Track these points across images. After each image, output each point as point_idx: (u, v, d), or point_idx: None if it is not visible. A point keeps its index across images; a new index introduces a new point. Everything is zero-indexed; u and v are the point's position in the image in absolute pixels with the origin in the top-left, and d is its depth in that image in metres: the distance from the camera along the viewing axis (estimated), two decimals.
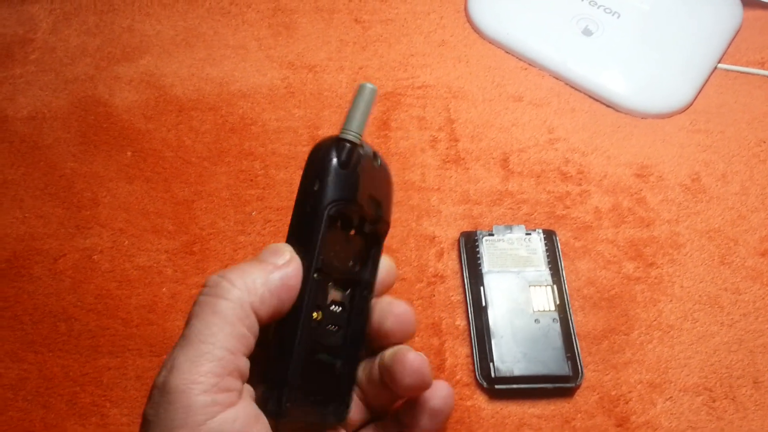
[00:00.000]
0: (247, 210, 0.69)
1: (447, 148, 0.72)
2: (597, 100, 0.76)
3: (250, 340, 0.40)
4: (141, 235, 0.68)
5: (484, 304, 0.62)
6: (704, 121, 0.74)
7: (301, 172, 0.66)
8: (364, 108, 0.46)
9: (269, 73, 0.78)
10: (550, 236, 0.66)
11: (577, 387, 0.59)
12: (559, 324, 0.61)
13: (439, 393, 0.46)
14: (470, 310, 0.63)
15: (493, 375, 0.59)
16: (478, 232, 0.66)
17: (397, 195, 0.69)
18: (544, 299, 0.62)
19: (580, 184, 0.70)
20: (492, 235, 0.65)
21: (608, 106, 0.75)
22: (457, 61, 0.79)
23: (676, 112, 0.75)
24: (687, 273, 0.65)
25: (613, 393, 0.60)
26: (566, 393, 0.59)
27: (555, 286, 0.63)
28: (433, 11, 0.83)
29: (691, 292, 0.65)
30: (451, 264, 0.66)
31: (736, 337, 0.62)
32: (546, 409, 0.59)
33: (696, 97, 0.76)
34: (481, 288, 0.63)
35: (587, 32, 0.78)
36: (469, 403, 0.59)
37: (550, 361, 0.59)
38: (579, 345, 0.61)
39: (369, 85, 0.45)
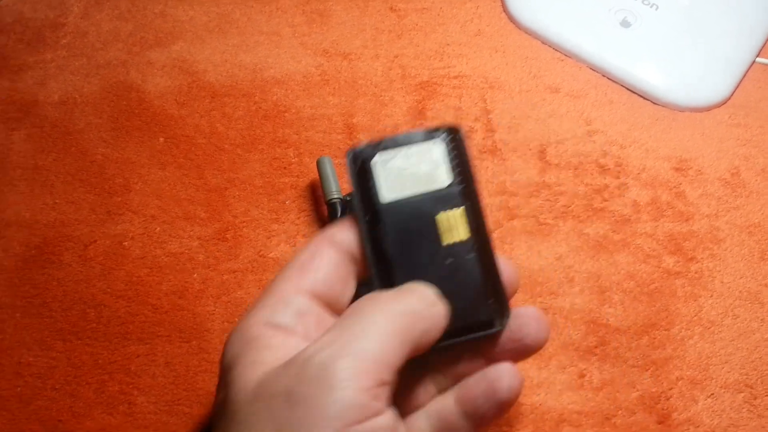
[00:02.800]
0: (281, 198, 0.68)
1: (483, 139, 0.71)
2: (635, 93, 0.75)
3: (401, 365, 0.39)
4: (173, 221, 0.67)
5: (383, 248, 0.46)
6: (743, 115, 0.73)
7: (335, 160, 0.66)
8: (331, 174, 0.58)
9: (303, 60, 0.77)
10: (454, 137, 0.47)
11: (503, 328, 0.46)
12: (475, 256, 0.46)
13: (509, 372, 0.44)
14: (371, 259, 0.46)
15: None
16: (363, 150, 0.47)
17: None
18: (454, 227, 0.46)
19: (618, 177, 0.69)
20: (386, 149, 0.47)
21: (646, 98, 0.74)
22: (493, 51, 0.78)
23: (715, 105, 0.74)
24: (727, 268, 0.64)
25: (653, 390, 0.59)
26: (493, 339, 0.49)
27: (464, 207, 0.47)
28: (469, 1, 0.82)
29: (732, 287, 0.63)
30: None
31: None
32: (586, 405, 0.58)
33: (734, 91, 0.75)
34: (379, 227, 0.47)
35: (625, 24, 0.77)
36: None
37: (468, 308, 0.46)
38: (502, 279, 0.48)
39: (324, 158, 0.56)
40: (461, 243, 0.46)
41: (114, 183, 0.70)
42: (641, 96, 0.74)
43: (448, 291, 0.44)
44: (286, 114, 0.73)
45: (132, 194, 0.69)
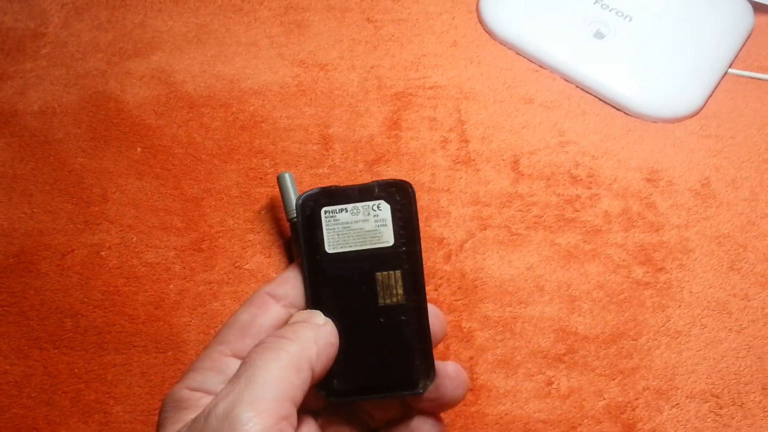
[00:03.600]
0: (256, 208, 0.69)
1: (457, 149, 0.72)
2: (608, 104, 0.76)
3: (302, 394, 0.41)
4: (150, 231, 0.68)
5: (321, 299, 0.48)
6: (715, 126, 0.74)
7: (310, 171, 0.67)
8: (292, 189, 0.61)
9: (281, 71, 0.78)
10: (403, 196, 0.48)
11: (425, 391, 0.47)
12: (407, 319, 0.48)
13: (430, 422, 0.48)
14: (309, 305, 0.48)
15: (334, 386, 0.47)
16: (312, 197, 0.48)
17: None
18: (391, 288, 0.48)
19: (590, 188, 0.70)
20: (336, 201, 0.48)
21: (619, 109, 0.75)
22: (468, 62, 0.78)
23: (687, 116, 0.75)
24: (696, 278, 0.65)
25: (620, 399, 0.59)
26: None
27: (402, 271, 0.48)
28: (445, 12, 0.82)
29: (700, 297, 0.64)
30: (458, 266, 0.66)
31: (744, 344, 0.62)
32: (552, 414, 0.59)
33: (706, 101, 0.76)
34: (319, 280, 0.48)
35: (599, 35, 0.78)
36: (473, 409, 0.59)
37: (394, 368, 0.48)
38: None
39: (285, 173, 0.57)
40: (396, 305, 0.47)
41: (92, 192, 0.70)
42: (614, 107, 0.75)
43: (377, 349, 0.47)
44: (263, 124, 0.74)
45: (109, 204, 0.69)
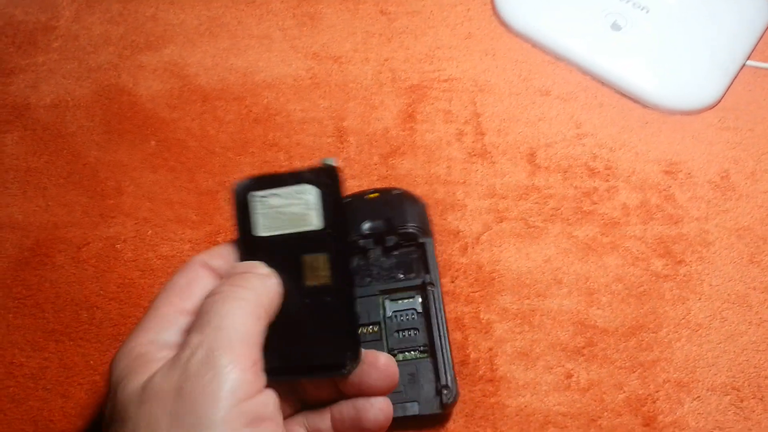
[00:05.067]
0: None
1: (473, 142, 0.72)
2: (625, 96, 0.75)
3: (261, 342, 0.44)
4: (164, 224, 0.68)
5: None
6: (733, 118, 0.73)
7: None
8: None
9: (294, 64, 0.78)
10: (330, 181, 0.49)
11: (350, 372, 0.47)
12: (333, 300, 0.48)
13: (377, 405, 0.48)
14: None
15: (265, 366, 0.44)
16: (244, 184, 0.50)
17: (422, 188, 0.68)
18: (317, 270, 0.49)
19: (607, 180, 0.69)
20: (266, 186, 0.50)
21: (636, 101, 0.75)
22: (483, 55, 0.78)
23: (705, 108, 0.74)
24: (716, 271, 0.65)
25: (640, 392, 0.59)
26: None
27: (329, 254, 0.49)
28: (460, 3, 0.82)
29: (720, 290, 0.64)
30: (475, 258, 0.65)
31: (764, 337, 0.62)
32: (572, 407, 0.58)
33: (724, 94, 0.75)
34: (251, 258, 0.49)
35: (616, 27, 0.77)
36: (492, 400, 0.59)
37: (320, 348, 0.48)
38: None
39: (330, 159, 0.51)
40: (323, 286, 0.48)
41: (106, 186, 0.70)
42: (631, 99, 0.75)
43: (304, 329, 0.47)
44: (277, 117, 0.74)
45: (124, 197, 0.69)
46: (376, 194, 0.65)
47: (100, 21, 0.82)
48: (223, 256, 0.49)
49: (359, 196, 0.65)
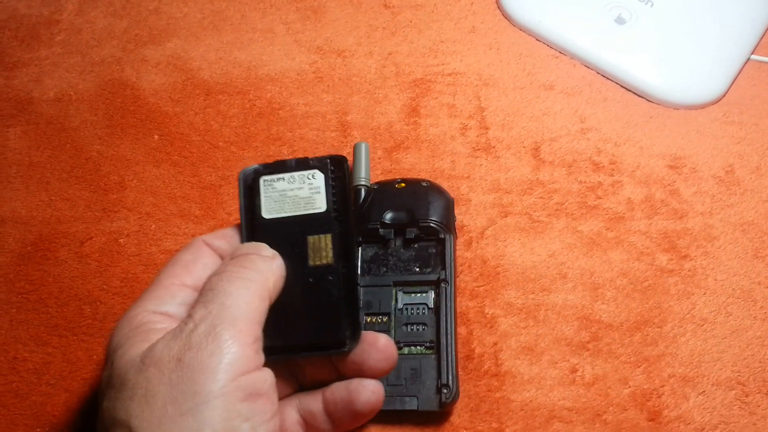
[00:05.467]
0: None
1: (477, 136, 0.72)
2: (629, 90, 0.75)
3: (264, 321, 0.46)
4: (168, 219, 0.67)
5: None
6: (738, 112, 0.73)
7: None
8: (364, 161, 0.64)
9: (297, 58, 0.77)
10: (337, 169, 0.53)
11: (350, 350, 0.49)
12: (335, 279, 0.50)
13: (370, 388, 0.49)
14: None
15: (265, 344, 0.46)
16: (254, 170, 0.53)
17: None
18: (321, 251, 0.51)
19: (612, 175, 0.69)
20: (273, 172, 0.53)
21: (640, 96, 0.74)
22: (487, 49, 0.78)
23: (709, 103, 0.74)
24: (720, 266, 0.64)
25: (645, 386, 0.59)
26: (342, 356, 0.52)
27: (333, 235, 0.51)
28: None
29: (725, 285, 0.64)
30: (479, 252, 0.65)
31: None
32: (577, 402, 0.58)
33: (729, 88, 0.75)
34: (257, 240, 0.51)
35: (620, 21, 0.77)
36: (497, 395, 0.59)
37: (321, 326, 0.49)
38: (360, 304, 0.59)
39: (362, 143, 0.62)
40: (326, 266, 0.50)
41: (109, 180, 0.70)
42: (635, 93, 0.74)
43: (305, 308, 0.49)
44: (280, 111, 0.73)
45: (127, 191, 0.69)
46: (403, 184, 0.65)
47: (103, 14, 0.81)
48: (227, 237, 0.51)
49: (386, 184, 0.65)
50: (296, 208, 0.52)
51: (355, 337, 0.49)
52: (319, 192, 0.52)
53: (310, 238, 0.51)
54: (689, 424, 0.57)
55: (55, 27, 0.81)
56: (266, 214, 0.52)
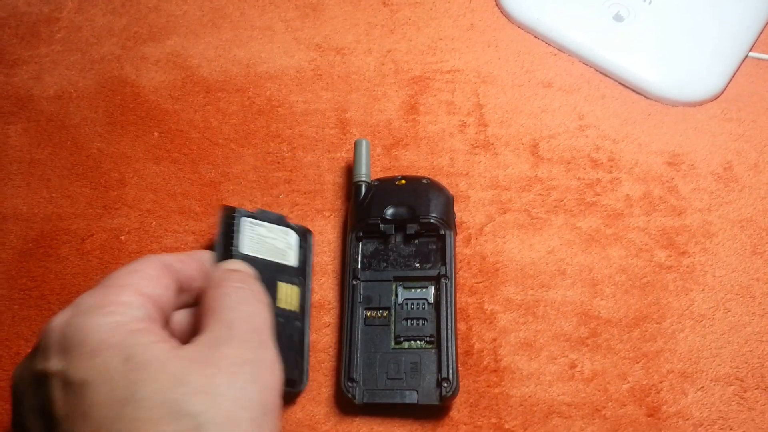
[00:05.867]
0: (275, 193, 0.68)
1: (476, 133, 0.72)
2: (627, 87, 0.75)
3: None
4: (168, 216, 0.68)
5: None
6: (736, 109, 0.73)
7: (327, 155, 0.67)
8: (365, 156, 0.67)
9: (296, 55, 0.78)
10: (306, 238, 0.64)
11: (300, 393, 0.59)
12: (297, 326, 0.59)
13: None
14: None
15: None
16: (239, 210, 0.60)
17: None
18: (289, 298, 0.59)
19: (610, 172, 0.69)
20: (254, 217, 0.61)
21: (639, 93, 0.75)
22: (486, 46, 0.78)
23: (707, 100, 0.74)
24: (719, 262, 0.65)
25: (644, 382, 0.59)
26: (292, 397, 0.59)
27: (300, 288, 0.61)
28: None
29: (723, 281, 0.64)
30: (479, 249, 0.65)
31: (767, 327, 0.62)
32: (576, 397, 0.59)
33: (727, 85, 0.75)
34: None
35: (618, 18, 0.77)
36: (497, 390, 0.59)
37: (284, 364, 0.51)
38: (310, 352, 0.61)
39: (362, 140, 0.68)
40: (291, 312, 0.59)
41: (110, 177, 0.70)
42: (634, 90, 0.75)
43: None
44: (280, 109, 0.74)
45: (128, 188, 0.69)
46: (404, 181, 0.65)
47: (103, 12, 0.81)
48: (187, 263, 0.50)
49: (387, 181, 0.66)
50: (271, 254, 0.59)
51: (304, 380, 0.59)
52: (291, 248, 0.62)
53: (280, 284, 0.59)
54: (688, 419, 0.58)
55: (55, 24, 0.81)
56: (244, 249, 0.58)
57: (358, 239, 0.63)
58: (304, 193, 0.68)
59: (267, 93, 0.75)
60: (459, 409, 0.58)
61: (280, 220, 0.62)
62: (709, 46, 0.76)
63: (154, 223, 0.67)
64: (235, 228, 0.58)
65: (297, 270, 0.61)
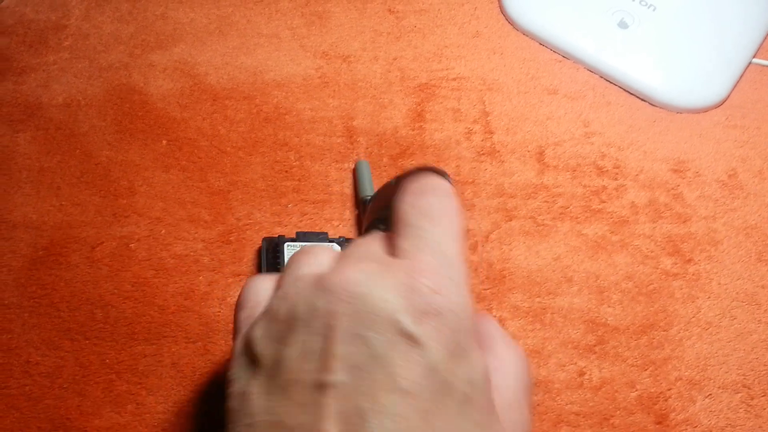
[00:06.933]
0: (284, 202, 0.69)
1: (482, 141, 0.72)
2: (633, 94, 0.76)
3: None
4: (177, 224, 0.68)
5: None
6: (740, 116, 0.74)
7: (335, 165, 0.68)
8: (367, 176, 0.68)
9: (303, 63, 0.78)
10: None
11: None
12: None
13: None
14: None
15: None
16: (280, 237, 0.63)
17: None
18: None
19: (616, 179, 0.70)
20: (294, 240, 0.63)
21: (644, 99, 0.75)
22: (491, 53, 0.78)
23: (712, 107, 0.75)
24: (725, 270, 0.65)
25: (652, 390, 0.60)
26: None
27: None
28: (467, 2, 0.82)
29: (729, 289, 0.64)
30: (485, 256, 0.66)
31: None
32: (584, 406, 0.59)
33: (731, 92, 0.76)
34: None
35: (623, 25, 0.78)
36: None
37: None
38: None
39: (363, 162, 0.69)
40: None
41: (119, 185, 0.70)
42: (639, 97, 0.75)
43: None
44: (287, 117, 0.74)
45: (137, 197, 0.70)
46: None
47: (110, 20, 0.82)
48: None
49: (386, 185, 0.66)
50: None
51: None
52: None
53: None
54: (696, 427, 0.58)
55: (63, 32, 0.81)
56: None
57: None
58: (313, 203, 0.69)
59: (274, 101, 0.75)
60: None
61: (319, 238, 0.64)
62: (714, 53, 0.77)
63: (163, 231, 0.68)
64: (276, 252, 0.62)
65: None
